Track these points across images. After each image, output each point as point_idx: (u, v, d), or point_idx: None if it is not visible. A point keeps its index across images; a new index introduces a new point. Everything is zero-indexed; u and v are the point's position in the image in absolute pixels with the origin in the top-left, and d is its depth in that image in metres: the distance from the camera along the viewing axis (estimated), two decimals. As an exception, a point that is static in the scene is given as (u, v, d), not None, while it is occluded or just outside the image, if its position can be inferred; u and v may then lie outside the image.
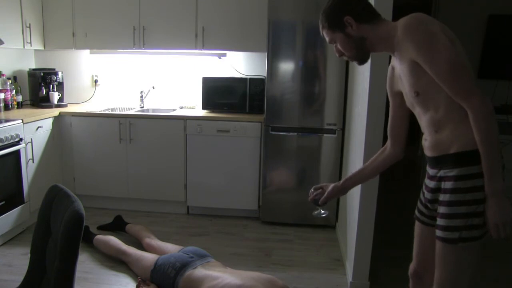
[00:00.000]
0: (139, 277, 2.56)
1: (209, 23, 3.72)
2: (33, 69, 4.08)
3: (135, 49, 3.83)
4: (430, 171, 1.56)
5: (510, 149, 3.87)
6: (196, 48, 3.77)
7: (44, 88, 3.95)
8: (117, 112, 3.95)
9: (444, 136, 1.46)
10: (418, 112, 1.55)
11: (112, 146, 3.72)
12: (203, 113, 3.79)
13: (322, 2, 1.60)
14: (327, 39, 1.60)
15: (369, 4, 1.56)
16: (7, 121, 3.12)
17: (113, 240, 2.96)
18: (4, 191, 3.06)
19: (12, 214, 3.15)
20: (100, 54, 4.18)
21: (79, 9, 3.83)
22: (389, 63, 1.68)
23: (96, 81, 4.27)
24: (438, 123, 1.46)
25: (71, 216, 1.26)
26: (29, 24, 3.68)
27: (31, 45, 3.74)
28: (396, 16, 1.58)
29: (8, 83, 3.70)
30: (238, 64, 4.09)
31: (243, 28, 3.70)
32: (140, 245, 2.98)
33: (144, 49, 3.82)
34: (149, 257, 2.66)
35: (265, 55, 3.49)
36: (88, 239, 3.06)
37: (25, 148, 3.27)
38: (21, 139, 3.21)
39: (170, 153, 3.69)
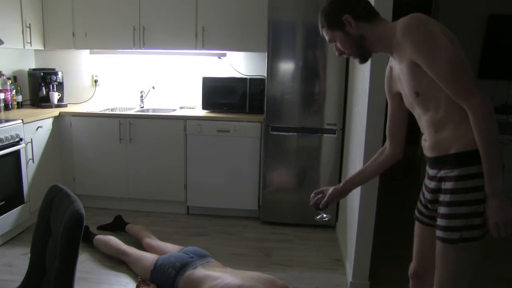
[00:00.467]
0: (139, 277, 2.56)
1: (209, 23, 3.72)
2: (33, 69, 4.08)
3: (135, 49, 3.83)
4: (430, 171, 1.56)
5: (510, 149, 3.87)
6: (196, 48, 3.77)
7: (44, 88, 3.95)
8: (117, 112, 3.95)
9: (444, 136, 1.46)
10: (418, 112, 1.55)
11: (112, 146, 3.72)
12: (203, 113, 3.79)
13: (322, 2, 1.61)
14: (326, 38, 1.60)
15: (368, 3, 1.56)
16: (7, 121, 3.12)
17: (113, 240, 2.96)
18: (4, 191, 3.06)
19: (12, 214, 3.15)
20: (100, 54, 4.18)
21: (79, 9, 3.83)
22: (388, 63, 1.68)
23: (96, 81, 4.27)
24: (438, 123, 1.46)
25: (71, 216, 1.26)
26: (29, 24, 3.68)
27: (31, 45, 3.74)
28: (396, 16, 1.58)
29: (8, 83, 3.70)
30: (238, 64, 4.09)
31: (243, 28, 3.70)
32: (140, 245, 2.98)
33: (144, 49, 3.82)
34: (149, 257, 2.66)
35: (265, 55, 3.49)
36: (88, 239, 3.06)
37: (25, 148, 3.27)
38: (21, 139, 3.21)
39: (170, 153, 3.69)
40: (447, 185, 1.45)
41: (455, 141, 1.43)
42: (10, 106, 3.72)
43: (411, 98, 1.52)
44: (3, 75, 3.66)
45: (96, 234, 3.11)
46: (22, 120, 3.23)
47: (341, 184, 1.83)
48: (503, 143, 3.86)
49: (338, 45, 1.58)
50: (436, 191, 1.51)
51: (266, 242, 3.30)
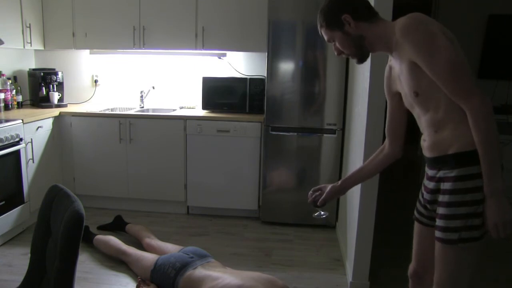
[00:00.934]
0: (139, 277, 2.56)
1: (209, 23, 3.72)
2: (33, 69, 4.08)
3: (135, 49, 3.83)
4: (429, 171, 1.55)
5: (510, 149, 3.87)
6: (196, 48, 3.77)
7: (44, 88, 3.95)
8: (117, 112, 3.96)
9: (443, 136, 1.46)
10: (417, 112, 1.55)
11: (112, 146, 3.72)
12: (203, 113, 3.79)
13: (322, 2, 1.60)
14: (325, 37, 1.60)
15: (368, 3, 1.56)
16: (7, 121, 3.12)
17: (113, 240, 2.96)
18: (4, 191, 3.06)
19: (12, 214, 3.15)
20: (100, 54, 4.18)
21: (79, 9, 3.83)
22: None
23: (96, 81, 4.27)
24: (438, 123, 1.46)
25: (71, 216, 1.26)
26: (29, 24, 3.69)
27: (31, 45, 3.74)
28: (396, 16, 1.58)
29: (8, 83, 3.70)
30: (238, 64, 4.09)
31: (243, 28, 3.70)
32: (140, 245, 2.98)
33: (144, 49, 3.82)
34: (149, 257, 2.66)
35: (265, 55, 3.49)
36: (88, 239, 3.06)
37: (25, 148, 3.27)
38: (21, 139, 3.21)
39: (170, 153, 3.69)
40: (446, 185, 1.45)
41: (455, 141, 1.43)
42: (10, 106, 3.72)
43: (411, 98, 1.51)
44: (3, 75, 3.66)
45: (96, 234, 3.11)
46: (22, 120, 3.23)
47: (339, 182, 1.83)
48: (503, 143, 3.86)
49: (337, 44, 1.58)
50: (435, 191, 1.51)
51: (266, 242, 3.30)
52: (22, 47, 3.67)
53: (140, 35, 3.79)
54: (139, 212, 3.82)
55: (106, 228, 3.38)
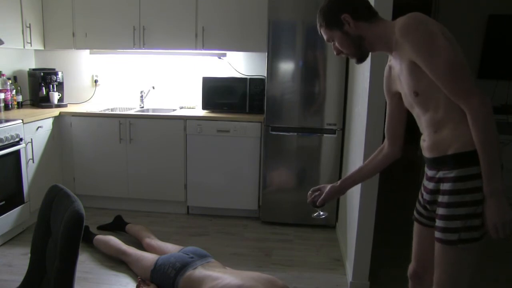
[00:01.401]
0: (139, 277, 2.56)
1: (209, 23, 3.72)
2: (33, 69, 4.08)
3: (135, 49, 3.83)
4: (429, 172, 1.55)
5: (510, 149, 3.87)
6: (196, 48, 3.77)
7: (44, 88, 3.95)
8: (117, 112, 3.96)
9: (443, 137, 1.45)
10: (417, 112, 1.54)
11: (112, 146, 3.72)
12: (203, 113, 3.79)
13: (322, 2, 1.60)
14: (325, 37, 1.60)
15: (367, 3, 1.56)
16: (7, 121, 3.12)
17: (113, 240, 2.97)
18: (4, 191, 3.06)
19: (12, 214, 3.15)
20: (100, 54, 4.18)
21: (79, 9, 3.83)
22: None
23: (96, 81, 4.27)
24: (438, 123, 1.46)
25: (71, 216, 1.26)
26: (29, 24, 3.69)
27: (31, 45, 3.74)
28: (396, 16, 1.58)
29: (8, 83, 3.70)
30: (238, 64, 4.09)
31: (243, 28, 3.70)
32: (140, 245, 2.98)
33: (144, 49, 3.82)
34: (149, 257, 2.66)
35: (265, 55, 3.49)
36: (88, 239, 3.06)
37: (25, 148, 3.27)
38: (21, 139, 3.21)
39: (170, 153, 3.69)
40: (446, 186, 1.45)
41: (454, 142, 1.42)
42: (10, 106, 3.72)
43: (411, 98, 1.51)
44: (3, 75, 3.66)
45: (96, 234, 3.11)
46: (22, 120, 3.23)
47: (338, 182, 1.82)
48: (503, 143, 3.87)
49: (337, 44, 1.58)
50: (435, 192, 1.50)
51: (266, 242, 3.30)
52: (22, 47, 3.67)
53: (140, 35, 3.79)
54: (139, 212, 3.82)
55: (106, 228, 3.38)
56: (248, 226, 3.59)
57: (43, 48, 3.95)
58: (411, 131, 1.85)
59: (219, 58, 4.06)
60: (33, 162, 3.38)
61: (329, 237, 3.41)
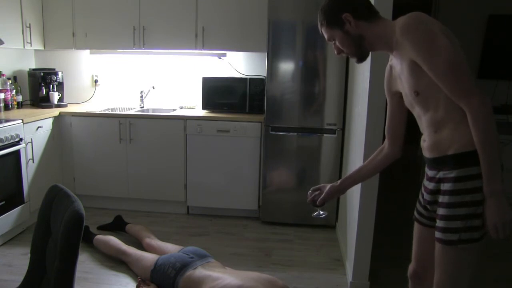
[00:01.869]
0: (139, 277, 2.56)
1: (209, 23, 3.72)
2: (33, 69, 4.08)
3: (135, 49, 3.83)
4: (429, 172, 1.55)
5: (510, 149, 3.87)
6: (196, 48, 3.77)
7: (44, 88, 3.95)
8: (117, 112, 3.96)
9: (443, 136, 1.45)
10: (417, 112, 1.54)
11: (112, 146, 3.72)
12: (203, 113, 3.79)
13: (322, 2, 1.60)
14: (325, 36, 1.60)
15: (368, 2, 1.56)
16: (7, 121, 3.12)
17: (113, 240, 2.96)
18: (4, 191, 3.06)
19: (12, 214, 3.15)
20: (100, 54, 4.18)
21: (79, 9, 3.83)
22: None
23: (96, 81, 4.27)
24: (438, 123, 1.46)
25: (71, 216, 1.26)
26: (29, 24, 3.68)
27: (31, 45, 3.74)
28: (396, 16, 1.58)
29: (8, 83, 3.70)
30: (238, 64, 4.09)
31: (243, 28, 3.70)
32: (140, 245, 2.98)
33: (144, 49, 3.82)
34: (149, 257, 2.66)
35: (265, 55, 3.49)
36: (88, 239, 3.06)
37: (25, 148, 3.27)
38: (21, 139, 3.21)
39: (170, 153, 3.69)
40: (446, 186, 1.45)
41: (454, 142, 1.42)
42: (10, 106, 3.72)
43: (411, 97, 1.51)
44: (3, 75, 3.66)
45: (96, 234, 3.11)
46: (22, 120, 3.23)
47: (338, 182, 1.82)
48: (503, 143, 3.86)
49: (337, 43, 1.58)
50: (435, 192, 1.50)
51: (266, 242, 3.30)
52: (22, 47, 3.67)
53: (140, 35, 3.79)
54: (139, 212, 3.82)
55: (106, 228, 3.38)
56: (248, 226, 3.59)
57: (43, 48, 3.95)
58: (411, 131, 1.85)
59: (219, 58, 4.06)
60: (33, 162, 3.38)
61: (329, 237, 3.41)
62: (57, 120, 3.71)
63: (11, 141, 3.11)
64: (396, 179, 4.90)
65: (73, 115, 3.74)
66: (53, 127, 3.65)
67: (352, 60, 1.67)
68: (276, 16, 3.33)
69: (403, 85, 1.54)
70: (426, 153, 1.55)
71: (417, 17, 1.41)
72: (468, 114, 1.36)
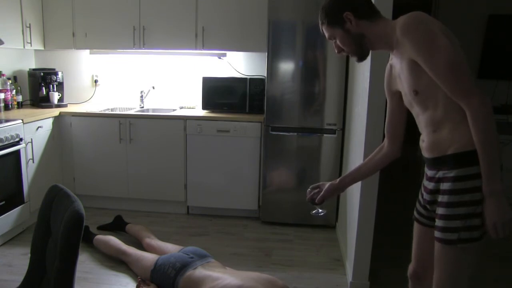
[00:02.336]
0: (139, 277, 2.56)
1: (209, 23, 3.72)
2: (33, 69, 4.08)
3: (135, 49, 3.83)
4: (429, 172, 1.55)
5: (510, 149, 3.87)
6: (196, 48, 3.77)
7: (44, 88, 3.95)
8: (117, 112, 3.96)
9: (442, 136, 1.45)
10: (416, 111, 1.54)
11: (112, 146, 3.72)
12: (203, 113, 3.79)
13: (322, 2, 1.60)
14: (326, 35, 1.60)
15: (369, 1, 1.56)
16: (7, 121, 3.12)
17: (113, 240, 2.97)
18: (4, 191, 3.06)
19: (12, 214, 3.15)
20: (100, 54, 4.18)
21: (79, 9, 3.83)
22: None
23: (96, 81, 4.27)
24: (437, 123, 1.46)
25: (71, 216, 1.26)
26: (29, 24, 3.69)
27: (31, 45, 3.74)
28: (396, 16, 1.58)
29: (8, 83, 3.70)
30: (238, 64, 4.09)
31: (243, 28, 3.70)
32: (140, 245, 2.98)
33: (144, 49, 3.82)
34: (149, 257, 2.66)
35: (265, 55, 3.49)
36: (88, 239, 3.06)
37: (25, 148, 3.27)
38: (21, 139, 3.21)
39: (170, 153, 3.69)
40: (445, 185, 1.45)
41: (454, 141, 1.42)
42: (10, 106, 3.72)
43: (410, 96, 1.51)
44: (3, 75, 3.66)
45: (96, 234, 3.11)
46: (22, 120, 3.23)
47: (337, 180, 1.82)
48: (503, 143, 3.87)
49: (338, 42, 1.58)
50: (435, 192, 1.50)
51: (266, 242, 3.30)
52: (22, 47, 3.67)
53: (140, 35, 3.79)
54: (139, 212, 3.82)
55: (106, 228, 3.38)
56: (248, 226, 3.59)
57: (43, 48, 3.95)
58: (411, 131, 1.85)
59: (219, 58, 4.06)
60: (33, 162, 3.38)
61: (329, 237, 3.41)
62: (57, 120, 3.71)
63: (11, 141, 3.11)
64: (395, 179, 4.90)
65: (73, 115, 3.74)
66: (53, 127, 3.65)
67: (352, 59, 1.67)
68: (276, 16, 3.33)
69: (403, 84, 1.54)
70: (426, 153, 1.55)
71: (418, 16, 1.42)
72: (468, 114, 1.36)
